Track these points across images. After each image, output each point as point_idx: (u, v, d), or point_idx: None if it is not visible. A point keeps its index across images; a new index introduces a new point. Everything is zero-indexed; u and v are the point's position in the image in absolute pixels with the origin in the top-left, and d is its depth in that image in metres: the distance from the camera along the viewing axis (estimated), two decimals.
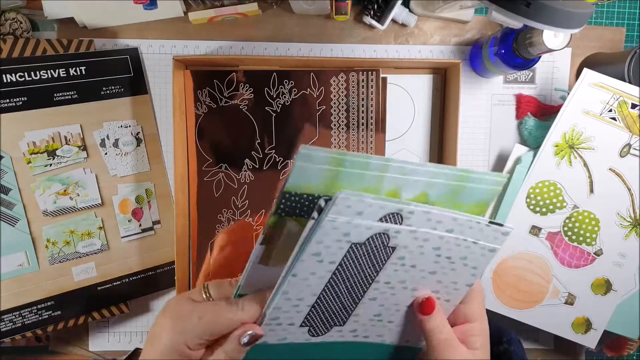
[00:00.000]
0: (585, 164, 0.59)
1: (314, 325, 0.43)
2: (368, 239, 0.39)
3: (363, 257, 0.40)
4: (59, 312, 0.58)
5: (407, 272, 0.42)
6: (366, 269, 0.41)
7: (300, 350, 0.44)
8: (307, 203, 0.41)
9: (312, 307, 0.42)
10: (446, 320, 0.40)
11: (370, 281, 0.42)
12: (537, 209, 0.60)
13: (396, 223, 0.39)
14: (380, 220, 0.39)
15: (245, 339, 0.38)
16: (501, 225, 0.40)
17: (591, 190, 0.59)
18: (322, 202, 0.38)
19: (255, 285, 0.42)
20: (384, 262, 0.41)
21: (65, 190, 0.59)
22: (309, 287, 0.40)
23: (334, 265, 0.40)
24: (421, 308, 0.40)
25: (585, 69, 0.58)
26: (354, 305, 0.43)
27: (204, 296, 0.39)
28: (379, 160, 0.40)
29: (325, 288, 0.41)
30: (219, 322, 0.37)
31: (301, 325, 0.42)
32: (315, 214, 0.37)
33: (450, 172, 0.43)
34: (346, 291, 0.42)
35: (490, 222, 0.40)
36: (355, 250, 0.40)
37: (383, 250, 0.40)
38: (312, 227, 0.38)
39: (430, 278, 0.42)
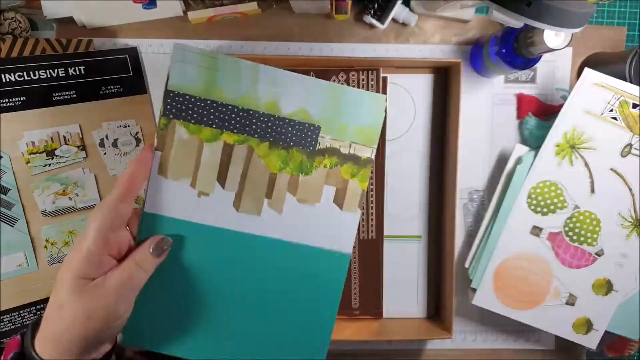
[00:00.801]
0: (586, 164, 0.59)
1: None
2: None
3: None
4: None
5: None
6: None
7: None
8: (190, 105, 0.44)
9: None
10: None
11: None
12: (538, 209, 0.60)
13: None
14: None
15: (154, 248, 0.42)
16: None
17: (592, 191, 0.59)
18: None
19: (158, 202, 0.45)
20: None
21: (64, 191, 0.58)
22: None
23: None
24: None
25: (586, 69, 0.58)
26: None
27: None
28: (248, 64, 0.44)
29: None
30: (107, 212, 0.40)
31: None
32: None
33: (322, 85, 0.46)
34: None
35: None
36: None
37: None
38: None
39: None
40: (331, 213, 0.48)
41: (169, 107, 0.44)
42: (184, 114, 0.44)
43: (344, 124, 0.47)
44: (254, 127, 0.46)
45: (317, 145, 0.47)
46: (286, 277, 0.48)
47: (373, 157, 0.48)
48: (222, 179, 0.46)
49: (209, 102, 0.44)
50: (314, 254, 0.48)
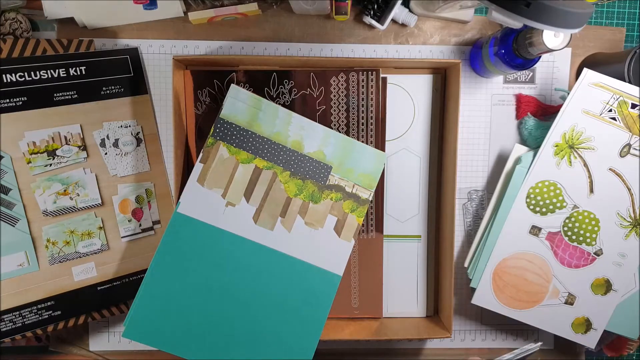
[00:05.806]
0: (585, 164, 0.59)
1: None
2: None
3: None
4: (59, 312, 0.58)
5: None
6: None
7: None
8: (235, 132, 0.55)
9: None
10: None
11: None
12: (537, 209, 0.60)
13: None
14: None
15: None
16: None
17: (591, 190, 0.59)
18: None
19: (190, 205, 0.54)
20: None
21: (65, 190, 0.59)
22: None
23: None
24: None
25: (585, 69, 0.58)
26: None
27: None
28: (285, 111, 0.56)
29: None
30: None
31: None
32: None
33: (337, 136, 0.57)
34: None
35: None
36: None
37: None
38: None
39: None
40: (330, 238, 0.57)
41: (217, 130, 0.55)
42: (228, 137, 0.55)
43: (351, 168, 0.57)
44: (280, 157, 0.56)
45: (327, 181, 0.56)
46: (286, 287, 0.55)
47: (370, 198, 0.58)
48: (248, 194, 0.55)
49: (249, 132, 0.55)
50: (312, 271, 0.56)
